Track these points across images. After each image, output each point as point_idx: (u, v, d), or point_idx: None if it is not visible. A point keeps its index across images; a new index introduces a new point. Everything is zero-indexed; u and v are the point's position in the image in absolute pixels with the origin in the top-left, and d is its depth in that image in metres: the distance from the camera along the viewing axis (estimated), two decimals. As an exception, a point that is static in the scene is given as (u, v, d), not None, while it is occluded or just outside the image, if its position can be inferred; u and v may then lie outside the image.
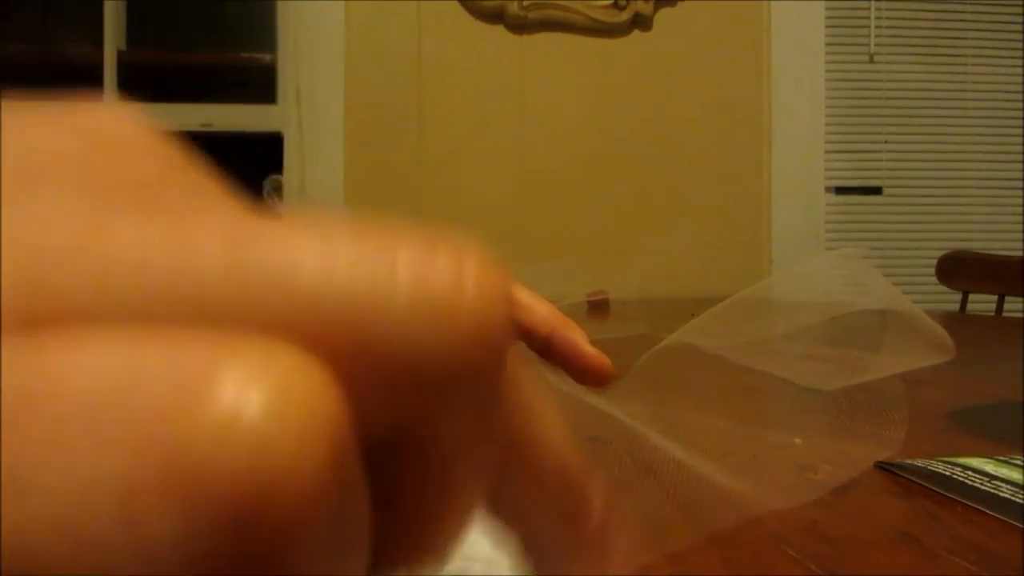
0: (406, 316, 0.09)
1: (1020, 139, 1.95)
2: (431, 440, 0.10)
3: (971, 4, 1.95)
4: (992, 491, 0.26)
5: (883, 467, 0.30)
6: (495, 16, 1.83)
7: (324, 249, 0.09)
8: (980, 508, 0.25)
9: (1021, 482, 0.27)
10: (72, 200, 0.09)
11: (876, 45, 1.94)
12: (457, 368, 0.09)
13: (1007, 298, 1.47)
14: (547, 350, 0.36)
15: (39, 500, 0.07)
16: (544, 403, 0.13)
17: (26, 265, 0.08)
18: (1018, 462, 0.30)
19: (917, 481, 0.28)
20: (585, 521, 0.13)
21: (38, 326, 0.08)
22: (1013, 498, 0.26)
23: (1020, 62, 1.95)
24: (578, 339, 0.35)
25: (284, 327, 0.08)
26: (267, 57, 1.90)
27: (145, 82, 1.89)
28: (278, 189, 1.77)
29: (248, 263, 0.08)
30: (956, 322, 1.18)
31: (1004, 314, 1.46)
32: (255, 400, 0.07)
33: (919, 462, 0.30)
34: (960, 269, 1.58)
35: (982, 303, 1.56)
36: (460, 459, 0.10)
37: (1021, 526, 0.23)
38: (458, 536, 0.11)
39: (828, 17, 1.92)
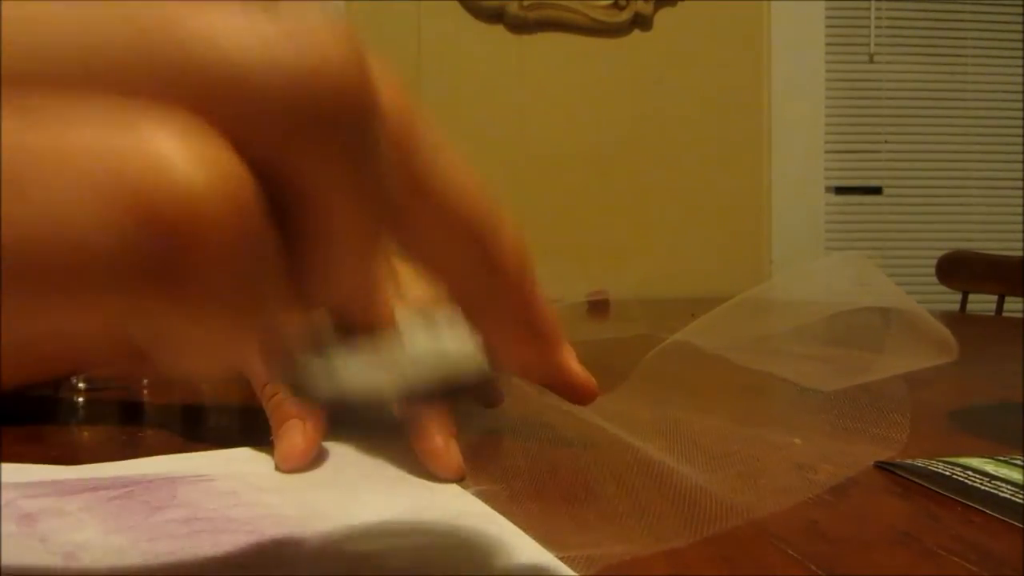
0: (280, 79, 0.11)
1: (1020, 139, 1.95)
2: (313, 183, 0.11)
3: (971, 4, 1.95)
4: (992, 491, 0.26)
5: (883, 467, 0.30)
6: (495, 16, 1.83)
7: (219, 21, 0.11)
8: (980, 508, 0.25)
9: (1021, 482, 0.27)
10: None
11: (876, 45, 1.94)
12: (312, 111, 0.11)
13: (1007, 298, 1.47)
14: None
15: (39, 206, 0.10)
16: (447, 151, 0.14)
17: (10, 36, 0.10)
18: (1018, 462, 0.30)
19: (917, 481, 0.28)
20: (499, 255, 0.15)
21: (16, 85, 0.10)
22: (1013, 498, 0.26)
23: (1020, 62, 1.95)
24: (565, 355, 0.34)
25: (185, 92, 0.10)
26: (267, 57, 1.90)
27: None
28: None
29: (158, 35, 0.11)
30: (956, 322, 1.18)
31: (1004, 314, 1.46)
32: (181, 154, 0.10)
33: (919, 462, 0.30)
34: (960, 269, 1.58)
35: (982, 303, 1.56)
36: (342, 200, 0.12)
37: (1021, 526, 0.23)
38: (361, 272, 0.13)
39: (828, 17, 1.92)
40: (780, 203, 1.91)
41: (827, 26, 1.92)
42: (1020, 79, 1.95)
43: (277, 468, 0.28)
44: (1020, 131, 1.95)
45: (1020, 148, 1.95)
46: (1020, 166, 1.96)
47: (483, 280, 0.15)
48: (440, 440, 0.28)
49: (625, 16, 1.85)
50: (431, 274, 0.15)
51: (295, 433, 0.28)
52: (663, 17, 1.88)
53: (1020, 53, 1.95)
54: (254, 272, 0.11)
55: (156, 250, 0.10)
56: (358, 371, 0.15)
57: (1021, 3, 1.94)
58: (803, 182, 1.91)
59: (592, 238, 1.84)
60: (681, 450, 0.34)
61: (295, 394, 0.15)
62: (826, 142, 1.92)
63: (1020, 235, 1.91)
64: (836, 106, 1.93)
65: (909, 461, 0.30)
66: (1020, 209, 1.94)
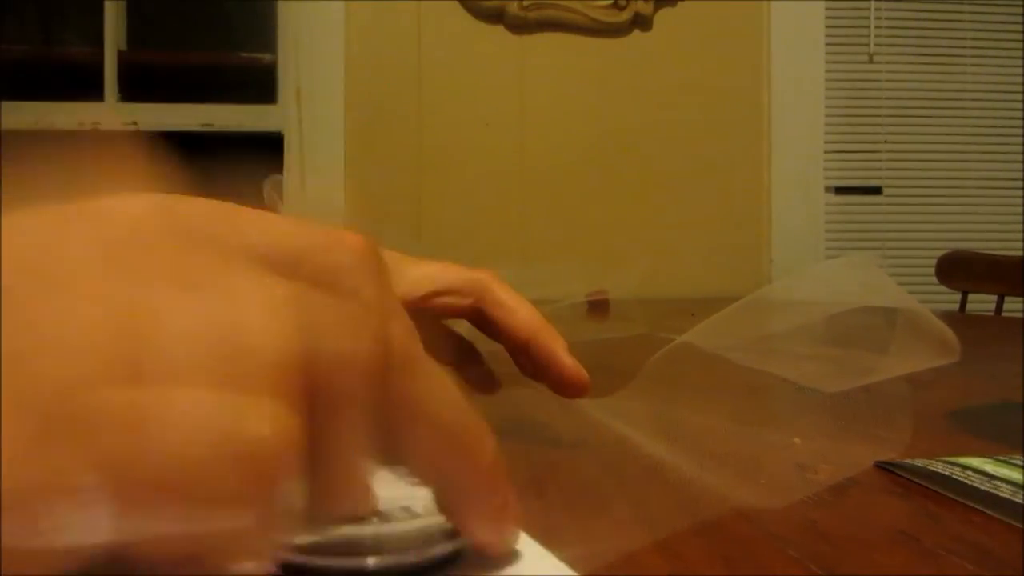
0: (326, 359, 0.16)
1: (1020, 139, 1.95)
2: (333, 409, 0.16)
3: (971, 4, 1.95)
4: (992, 491, 0.26)
5: (883, 467, 0.30)
6: (495, 16, 1.83)
7: (273, 309, 0.15)
8: (980, 508, 0.25)
9: (1021, 482, 0.27)
10: (137, 290, 0.15)
11: (876, 45, 1.94)
12: (355, 379, 0.16)
13: (1007, 298, 1.47)
14: (525, 355, 0.35)
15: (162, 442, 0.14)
16: (439, 373, 0.18)
17: (117, 334, 0.14)
18: (1018, 462, 0.30)
19: (917, 481, 0.28)
20: (479, 460, 0.19)
21: (138, 371, 0.14)
22: (1013, 498, 0.26)
23: (1020, 62, 1.95)
24: (558, 349, 0.34)
25: (260, 380, 0.15)
26: (267, 57, 1.90)
27: (145, 82, 1.89)
28: (278, 189, 1.77)
29: (239, 333, 0.15)
30: (956, 322, 1.18)
31: (1004, 314, 1.46)
32: (265, 422, 0.14)
33: (919, 462, 0.30)
34: (960, 269, 1.58)
35: (982, 303, 1.56)
36: (353, 423, 0.16)
37: (1021, 526, 0.23)
38: (359, 494, 0.17)
39: (828, 17, 1.92)
40: (780, 203, 1.91)
41: (827, 26, 1.92)
42: (1020, 79, 1.95)
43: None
44: (1020, 131, 1.95)
45: (1020, 148, 1.95)
46: (1020, 166, 1.96)
47: (466, 479, 0.19)
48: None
49: (625, 16, 1.85)
50: (419, 474, 0.19)
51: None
52: (663, 17, 1.88)
53: (1020, 53, 1.95)
54: (294, 478, 0.15)
55: (249, 483, 0.14)
56: (342, 542, 0.18)
57: (1021, 3, 1.94)
58: (803, 182, 1.91)
59: (592, 238, 1.84)
60: (681, 449, 0.34)
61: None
62: (826, 142, 1.92)
63: (1020, 235, 1.91)
64: (836, 106, 1.93)
65: (909, 461, 0.30)
66: (1020, 209, 1.94)
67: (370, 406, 0.16)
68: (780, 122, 1.90)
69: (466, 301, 0.36)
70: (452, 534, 0.20)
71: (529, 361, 0.35)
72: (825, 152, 1.92)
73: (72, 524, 0.13)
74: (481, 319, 0.36)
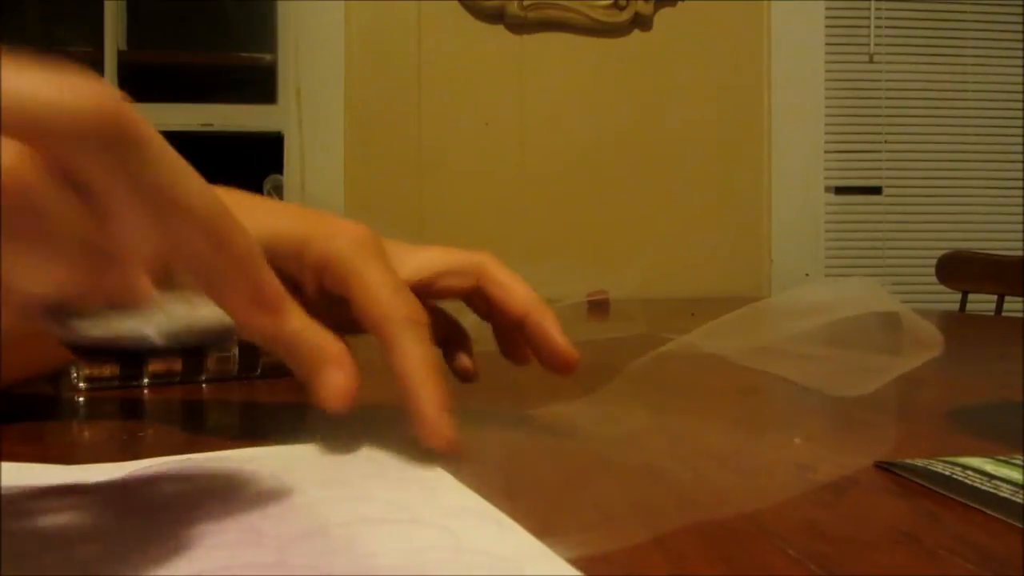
0: (56, 114, 0.17)
1: (1020, 139, 1.95)
2: (90, 183, 0.18)
3: (971, 4, 1.95)
4: (992, 491, 0.26)
5: (883, 467, 0.30)
6: (495, 16, 1.83)
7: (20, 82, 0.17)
8: (980, 508, 0.25)
9: (1021, 482, 0.27)
10: None
11: (876, 45, 1.94)
12: (82, 133, 0.18)
13: (1007, 298, 1.47)
14: (520, 331, 0.37)
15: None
16: (189, 172, 0.20)
17: None
18: (1018, 462, 0.30)
19: (917, 481, 0.28)
20: (219, 237, 0.21)
21: None
22: (1013, 498, 0.26)
23: (1020, 62, 1.95)
24: (549, 326, 0.36)
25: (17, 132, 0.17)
26: (267, 57, 1.90)
27: (145, 82, 1.89)
28: (278, 189, 1.77)
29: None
30: (956, 322, 1.18)
31: (1004, 314, 1.46)
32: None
33: (919, 462, 0.30)
34: (960, 269, 1.58)
35: (982, 303, 1.57)
36: (114, 196, 0.18)
37: (1021, 526, 0.23)
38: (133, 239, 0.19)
39: (828, 17, 1.92)
40: (780, 203, 1.91)
41: (827, 26, 1.92)
42: (1020, 79, 1.95)
43: (323, 407, 0.28)
44: (1020, 131, 1.95)
45: (1020, 148, 1.95)
46: (1020, 166, 1.96)
47: (218, 263, 0.21)
48: (431, 409, 0.29)
49: (625, 16, 1.85)
50: (178, 263, 0.20)
51: (336, 372, 0.28)
52: (663, 17, 1.88)
53: (1020, 53, 1.95)
54: (63, 212, 0.17)
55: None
56: (124, 322, 0.20)
57: (1021, 3, 1.94)
58: (803, 182, 1.91)
59: (592, 238, 1.84)
60: (680, 449, 0.34)
61: (66, 340, 0.20)
62: (826, 142, 1.92)
63: (1020, 235, 1.91)
64: (836, 106, 1.93)
65: (909, 461, 0.30)
66: (1020, 209, 1.94)
67: (124, 165, 0.18)
68: (780, 122, 1.90)
69: (467, 282, 0.37)
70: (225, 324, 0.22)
71: (522, 337, 0.37)
72: (825, 152, 1.92)
73: None
74: (480, 298, 0.38)
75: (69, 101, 0.17)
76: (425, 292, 0.36)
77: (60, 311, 0.19)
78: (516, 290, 0.37)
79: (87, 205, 0.18)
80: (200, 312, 0.22)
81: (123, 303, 0.20)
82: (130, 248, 0.19)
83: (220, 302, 0.22)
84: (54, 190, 0.17)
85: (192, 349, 0.20)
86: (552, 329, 0.36)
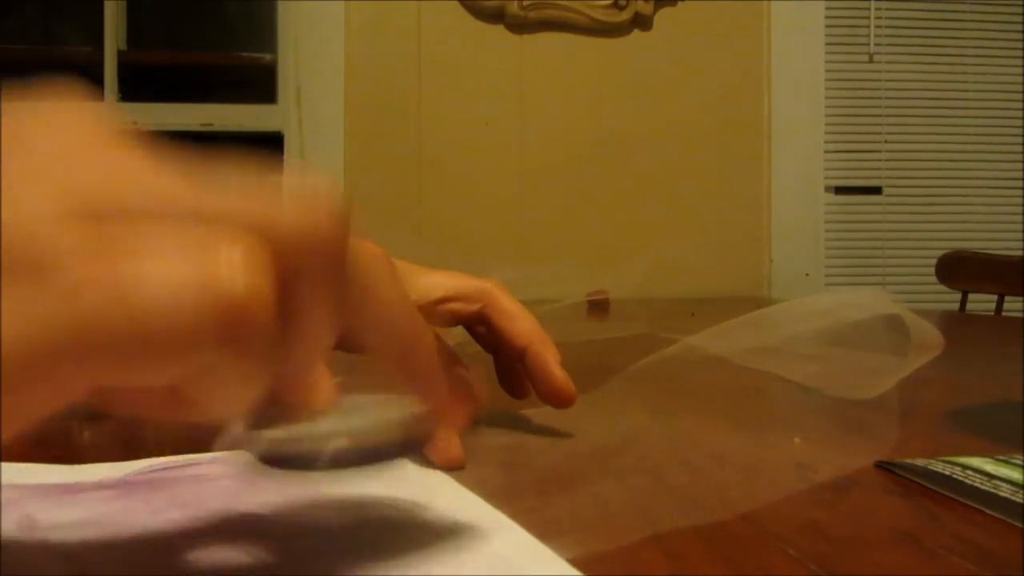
0: (290, 226, 0.17)
1: (1020, 139, 1.95)
2: (299, 292, 0.17)
3: (971, 4, 1.95)
4: (992, 491, 0.26)
5: (883, 467, 0.30)
6: (495, 16, 1.83)
7: (242, 188, 0.17)
8: (980, 508, 0.25)
9: (1021, 482, 0.27)
10: (94, 155, 0.16)
11: (876, 45, 1.94)
12: (315, 250, 0.17)
13: (1007, 298, 1.47)
14: (520, 362, 0.37)
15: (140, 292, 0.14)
16: (397, 287, 0.20)
17: (80, 185, 0.15)
18: (1018, 462, 0.30)
19: (917, 481, 0.28)
20: (415, 356, 0.21)
21: (94, 217, 0.14)
22: (1013, 498, 0.26)
23: (1020, 62, 1.95)
24: (550, 360, 0.36)
25: (237, 229, 0.15)
26: (267, 57, 1.90)
27: (145, 82, 1.89)
28: (278, 189, 1.77)
29: (207, 195, 0.16)
30: (956, 322, 1.18)
31: (1004, 314, 1.46)
32: (240, 266, 0.15)
33: (919, 462, 0.30)
34: (960, 269, 1.58)
35: (982, 303, 1.56)
36: (318, 297, 0.17)
37: (1021, 526, 0.23)
38: (312, 374, 0.19)
39: (828, 17, 1.92)
40: (780, 203, 1.91)
41: (827, 26, 1.92)
42: (1020, 79, 1.95)
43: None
44: (1020, 131, 1.95)
45: (1020, 148, 1.95)
46: (1020, 166, 1.96)
47: (409, 354, 0.21)
48: (441, 432, 0.29)
49: (625, 16, 1.85)
50: (373, 347, 0.21)
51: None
52: (663, 17, 1.88)
53: (1020, 53, 1.95)
54: (270, 339, 0.16)
55: (229, 326, 0.15)
56: (311, 428, 0.19)
57: (1021, 3, 1.94)
58: (803, 182, 1.91)
59: (592, 238, 1.84)
60: (680, 449, 0.34)
61: (259, 456, 0.19)
62: (826, 142, 1.92)
63: (1020, 235, 1.91)
64: (836, 106, 1.93)
65: (909, 461, 0.30)
66: (1020, 209, 1.94)
67: (333, 283, 0.18)
68: (780, 122, 1.90)
69: (473, 307, 0.38)
70: (410, 424, 0.21)
71: (523, 368, 0.37)
72: (825, 152, 1.92)
73: (46, 377, 0.14)
74: (482, 326, 0.38)
75: (308, 227, 0.17)
76: (430, 315, 0.36)
77: (251, 424, 0.19)
78: (520, 321, 0.37)
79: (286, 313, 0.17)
80: (386, 414, 0.21)
81: (308, 408, 0.19)
82: (318, 353, 0.18)
83: (410, 390, 0.22)
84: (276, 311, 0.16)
85: (371, 452, 0.20)
86: (552, 363, 0.36)
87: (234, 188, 0.17)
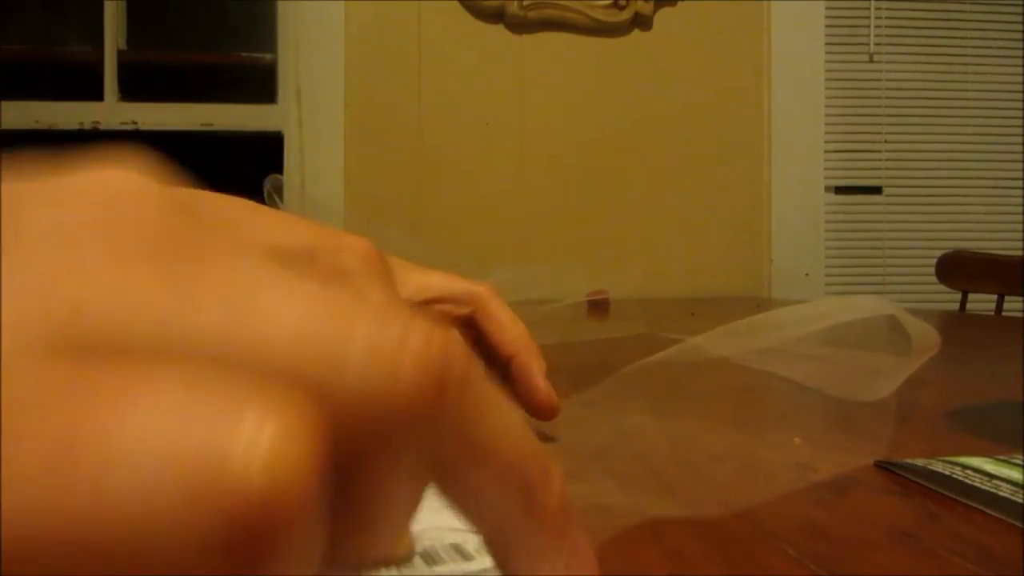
0: (358, 377, 0.11)
1: (1020, 139, 1.95)
2: (374, 467, 0.12)
3: (971, 4, 1.95)
4: (992, 491, 0.26)
5: (883, 466, 0.30)
6: (495, 16, 1.83)
7: (301, 313, 0.11)
8: (980, 508, 0.25)
9: (1021, 482, 0.27)
10: (97, 258, 0.11)
11: (876, 45, 1.94)
12: (395, 415, 0.11)
13: (1007, 298, 1.47)
14: (505, 371, 0.37)
15: (93, 492, 0.09)
16: (498, 397, 0.14)
17: (68, 305, 0.10)
18: (1018, 462, 0.30)
19: (917, 481, 0.28)
20: (542, 506, 0.15)
21: (79, 351, 0.10)
22: (1013, 498, 0.26)
23: (1020, 62, 1.95)
24: (535, 370, 0.36)
25: (274, 379, 0.10)
26: (267, 57, 1.90)
27: (145, 82, 1.89)
28: (278, 189, 1.77)
29: (241, 323, 0.11)
30: (956, 322, 1.18)
31: (1004, 314, 1.46)
32: (265, 443, 0.10)
33: (919, 462, 0.30)
34: (960, 269, 1.58)
35: (982, 303, 1.56)
36: (396, 481, 0.12)
37: (1021, 526, 0.23)
38: (392, 541, 0.13)
39: (828, 17, 1.92)
40: (780, 203, 1.91)
41: (827, 26, 1.92)
42: (1020, 79, 1.95)
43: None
44: (1020, 131, 1.95)
45: (1020, 148, 1.95)
46: (1020, 166, 1.96)
47: (525, 527, 0.15)
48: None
49: (625, 16, 1.85)
50: (468, 518, 0.15)
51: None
52: (663, 17, 1.88)
53: (1020, 53, 1.95)
54: (306, 554, 0.11)
55: (226, 550, 0.09)
56: None
57: (1021, 3, 1.94)
58: (803, 182, 1.91)
59: (592, 238, 1.84)
60: (680, 449, 0.34)
61: None
62: (826, 142, 1.92)
63: (1020, 235, 1.91)
64: (836, 106, 1.93)
65: (909, 461, 0.30)
66: (1020, 209, 1.94)
67: (414, 444, 0.12)
68: (780, 122, 1.90)
69: (463, 310, 0.38)
70: None
71: (508, 376, 0.37)
72: (825, 152, 1.92)
73: None
74: (470, 329, 0.38)
75: (397, 384, 0.11)
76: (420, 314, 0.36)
77: None
78: (509, 328, 0.37)
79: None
80: (472, 568, 0.17)
81: (380, 562, 0.15)
82: (391, 540, 0.13)
83: (516, 570, 0.15)
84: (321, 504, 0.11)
85: None
86: (537, 374, 0.36)
87: (287, 312, 0.11)
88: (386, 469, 0.12)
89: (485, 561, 0.17)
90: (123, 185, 0.13)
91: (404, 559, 0.17)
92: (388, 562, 0.16)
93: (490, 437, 0.14)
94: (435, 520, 0.17)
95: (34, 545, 0.09)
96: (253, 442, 0.10)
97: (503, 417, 0.14)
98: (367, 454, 0.12)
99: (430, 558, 0.17)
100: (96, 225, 0.12)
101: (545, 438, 0.36)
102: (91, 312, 0.11)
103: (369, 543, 0.13)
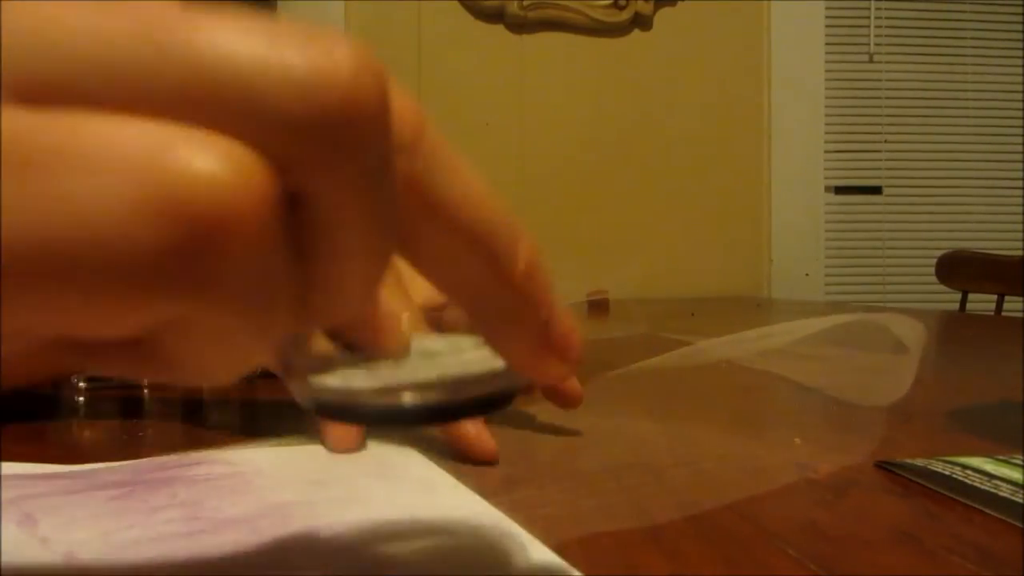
0: (291, 89, 0.11)
1: (1020, 139, 1.95)
2: (324, 196, 0.11)
3: (971, 4, 1.95)
4: (992, 491, 0.26)
5: (883, 467, 0.30)
6: (495, 16, 1.83)
7: (232, 35, 0.11)
8: (980, 508, 0.25)
9: (1021, 482, 0.27)
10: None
11: (876, 45, 1.94)
12: (322, 121, 0.11)
13: (1007, 298, 1.47)
14: None
15: (51, 198, 0.10)
16: (459, 163, 0.14)
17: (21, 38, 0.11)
18: (1018, 462, 0.30)
19: (917, 481, 0.28)
20: (509, 270, 0.15)
21: (32, 87, 0.10)
22: (1013, 498, 0.26)
23: (1020, 62, 1.95)
24: None
25: (202, 102, 0.11)
26: (267, 57, 1.90)
27: (145, 82, 1.88)
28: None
29: (174, 50, 0.11)
30: (956, 322, 1.18)
31: (1004, 314, 1.46)
32: (205, 148, 0.10)
33: (919, 462, 0.30)
34: (960, 269, 1.58)
35: (982, 303, 1.56)
36: (352, 214, 0.12)
37: (1021, 526, 0.23)
38: (369, 289, 0.13)
39: (828, 17, 1.92)
40: (780, 203, 1.91)
41: (827, 26, 1.92)
42: (1020, 79, 1.95)
43: (329, 448, 0.30)
44: (1020, 131, 1.95)
45: (1020, 148, 1.95)
46: (1020, 166, 1.96)
47: (496, 292, 0.15)
48: (471, 427, 0.30)
49: (625, 16, 1.85)
50: (442, 288, 0.15)
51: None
52: (663, 17, 1.88)
53: (1020, 53, 1.95)
54: (274, 268, 0.11)
55: (183, 244, 0.10)
56: (375, 386, 0.15)
57: (1021, 3, 1.94)
58: (803, 182, 1.91)
59: (592, 238, 1.84)
60: (680, 448, 0.34)
61: (311, 408, 0.15)
62: (826, 142, 1.92)
63: (1020, 235, 1.91)
64: (836, 106, 1.93)
65: (909, 461, 0.30)
66: (1020, 209, 1.94)
67: (373, 187, 0.12)
68: (780, 122, 1.90)
69: None
70: (504, 371, 0.16)
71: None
72: (825, 152, 1.92)
73: None
74: None
75: (310, 67, 0.11)
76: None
77: (291, 360, 0.14)
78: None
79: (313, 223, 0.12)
80: (470, 359, 0.16)
81: (371, 352, 0.15)
82: (372, 278, 0.13)
83: (500, 345, 0.16)
84: (277, 222, 0.11)
85: (438, 409, 0.15)
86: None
87: (220, 29, 0.11)
88: (343, 183, 0.11)
89: (481, 353, 0.16)
90: None
91: (400, 354, 0.16)
92: (383, 354, 0.16)
93: (453, 198, 0.14)
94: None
95: (10, 252, 0.10)
96: (203, 151, 0.10)
97: (466, 181, 0.14)
98: (320, 167, 0.11)
99: (428, 354, 0.17)
100: None
101: (568, 432, 0.36)
102: (46, 50, 0.11)
103: (338, 292, 0.13)
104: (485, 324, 0.15)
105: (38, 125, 0.10)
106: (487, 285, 0.15)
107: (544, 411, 0.38)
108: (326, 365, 0.15)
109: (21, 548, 0.20)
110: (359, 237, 0.12)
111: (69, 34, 0.11)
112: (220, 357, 0.12)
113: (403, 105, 0.13)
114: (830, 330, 0.44)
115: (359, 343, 0.16)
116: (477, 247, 0.14)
